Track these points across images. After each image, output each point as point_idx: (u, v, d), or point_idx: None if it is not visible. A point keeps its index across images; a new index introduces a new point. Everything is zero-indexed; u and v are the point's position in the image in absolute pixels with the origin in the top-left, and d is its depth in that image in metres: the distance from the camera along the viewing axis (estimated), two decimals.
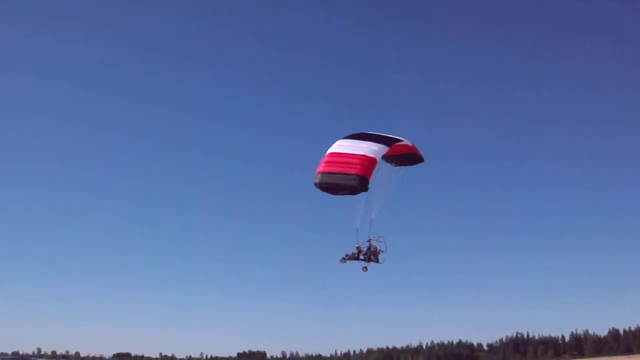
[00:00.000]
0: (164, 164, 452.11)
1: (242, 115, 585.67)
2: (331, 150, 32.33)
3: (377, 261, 34.44)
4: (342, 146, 32.27)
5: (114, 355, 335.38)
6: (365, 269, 34.37)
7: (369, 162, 31.20)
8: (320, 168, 31.93)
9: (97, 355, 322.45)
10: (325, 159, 31.81)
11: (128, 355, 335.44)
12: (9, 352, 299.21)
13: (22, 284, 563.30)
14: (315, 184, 32.01)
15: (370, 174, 31.10)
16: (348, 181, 31.08)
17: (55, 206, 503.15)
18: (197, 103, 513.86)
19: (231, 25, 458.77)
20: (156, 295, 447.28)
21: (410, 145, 33.40)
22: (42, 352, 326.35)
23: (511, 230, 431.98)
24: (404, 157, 33.46)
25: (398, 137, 33.04)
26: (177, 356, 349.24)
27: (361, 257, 34.37)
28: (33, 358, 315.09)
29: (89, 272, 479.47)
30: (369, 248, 34.52)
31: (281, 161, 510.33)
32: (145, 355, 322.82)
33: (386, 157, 33.14)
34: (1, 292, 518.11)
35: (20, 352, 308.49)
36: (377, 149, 31.88)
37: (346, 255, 34.52)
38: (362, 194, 31.99)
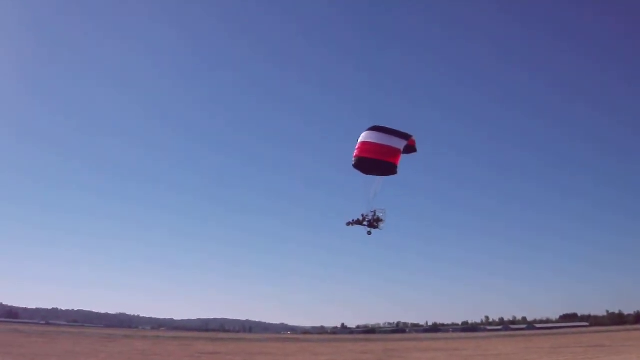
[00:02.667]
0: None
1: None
2: (364, 139, 40.74)
3: (377, 227, 42.48)
4: (373, 137, 40.59)
5: None
6: (369, 233, 42.34)
7: (398, 153, 40.01)
8: (358, 153, 40.43)
9: None
10: (362, 146, 40.45)
11: None
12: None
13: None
14: (354, 166, 40.43)
15: (398, 161, 39.98)
16: (384, 165, 39.81)
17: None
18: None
19: None
20: None
21: (414, 139, 41.30)
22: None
23: None
24: (408, 147, 41.11)
25: (410, 133, 40.96)
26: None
27: (364, 223, 42.49)
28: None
29: None
30: (373, 216, 42.46)
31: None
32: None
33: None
34: None
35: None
36: (401, 141, 40.32)
37: (352, 219, 42.84)
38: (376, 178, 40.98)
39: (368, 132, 41.11)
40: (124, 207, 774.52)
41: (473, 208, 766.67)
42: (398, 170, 40.28)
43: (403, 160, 40.63)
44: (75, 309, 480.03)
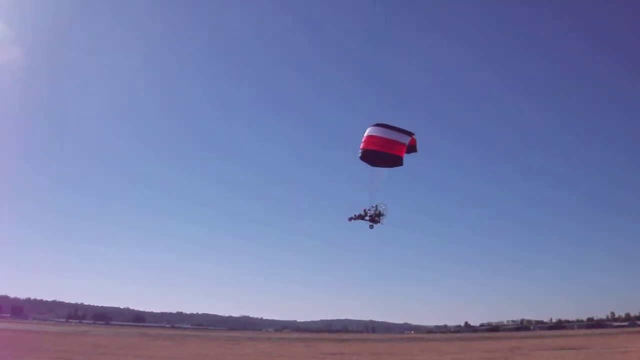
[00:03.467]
0: None
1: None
2: (370, 133, 41.92)
3: (379, 222, 43.56)
4: (378, 132, 41.84)
5: None
6: (371, 226, 43.35)
7: (403, 146, 40.90)
8: (364, 146, 41.60)
9: None
10: (367, 139, 41.67)
11: None
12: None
13: None
14: (361, 157, 41.64)
15: (403, 154, 40.87)
16: (390, 157, 40.90)
17: None
18: None
19: None
20: None
21: (415, 138, 42.26)
22: None
23: None
24: (409, 147, 41.79)
25: (412, 132, 41.82)
26: None
27: (366, 217, 43.47)
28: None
29: None
30: (374, 211, 43.42)
31: None
32: None
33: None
34: None
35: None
36: (405, 136, 41.26)
37: (354, 214, 43.86)
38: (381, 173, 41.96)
39: (373, 127, 42.30)
40: (244, 215, 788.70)
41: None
42: (404, 162, 41.01)
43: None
44: (200, 313, 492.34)
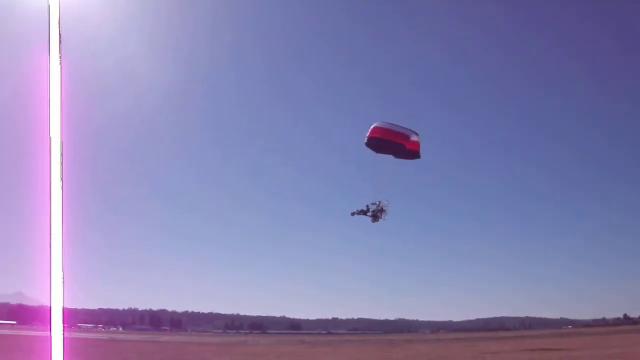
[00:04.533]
0: None
1: None
2: (376, 125, 42.62)
3: (381, 217, 43.67)
4: (384, 124, 42.69)
5: None
6: (373, 221, 43.48)
7: (408, 138, 41.72)
8: (370, 134, 42.02)
9: None
10: (373, 129, 42.30)
11: None
12: None
13: None
14: (367, 144, 42.27)
15: (408, 146, 41.59)
16: (395, 145, 41.71)
17: None
18: None
19: None
20: None
21: (419, 141, 42.75)
22: None
23: None
24: (413, 152, 42.60)
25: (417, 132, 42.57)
26: None
27: (368, 213, 43.53)
28: None
29: None
30: (377, 207, 43.41)
31: None
32: None
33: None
34: None
35: None
36: (410, 132, 42.07)
37: (357, 210, 44.27)
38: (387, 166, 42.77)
39: (379, 122, 43.21)
40: (401, 220, 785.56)
41: None
42: (407, 151, 42.20)
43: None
44: (355, 318, 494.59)
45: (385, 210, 44.05)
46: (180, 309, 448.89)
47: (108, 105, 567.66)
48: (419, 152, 43.58)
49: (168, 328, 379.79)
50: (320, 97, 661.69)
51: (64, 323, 6.82)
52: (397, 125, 43.44)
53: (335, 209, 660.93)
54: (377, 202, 43.84)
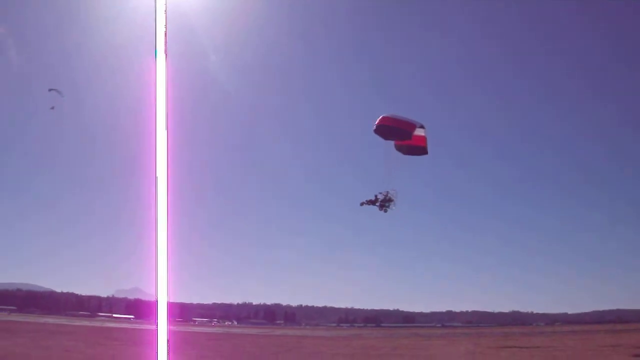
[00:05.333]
0: None
1: None
2: (384, 115, 43.51)
3: (388, 207, 45.16)
4: (391, 114, 43.86)
5: None
6: (385, 211, 44.93)
7: (414, 127, 42.94)
8: (379, 122, 43.05)
9: None
10: (382, 118, 43.08)
11: None
12: None
13: None
14: (375, 131, 43.59)
15: (414, 132, 43.34)
16: (402, 132, 43.33)
17: None
18: None
19: None
20: None
21: (425, 136, 44.52)
22: None
23: None
24: (420, 149, 44.86)
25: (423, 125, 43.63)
26: None
27: (377, 203, 44.91)
28: None
29: None
30: (385, 197, 44.83)
31: None
32: None
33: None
34: None
35: None
36: (417, 122, 43.26)
37: (366, 200, 45.41)
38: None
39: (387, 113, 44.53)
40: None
41: None
42: (414, 146, 44.45)
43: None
44: (470, 310, 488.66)
45: (393, 200, 45.78)
46: (294, 303, 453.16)
47: (213, 105, 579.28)
48: (426, 148, 45.26)
49: (282, 322, 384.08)
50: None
51: (168, 317, 6.83)
52: (404, 117, 44.83)
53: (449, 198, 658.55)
54: (386, 192, 45.45)
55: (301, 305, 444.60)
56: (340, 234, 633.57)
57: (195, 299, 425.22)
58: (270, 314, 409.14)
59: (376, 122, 44.51)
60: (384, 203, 45.79)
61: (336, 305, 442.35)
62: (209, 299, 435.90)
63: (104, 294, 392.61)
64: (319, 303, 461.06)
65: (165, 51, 7.55)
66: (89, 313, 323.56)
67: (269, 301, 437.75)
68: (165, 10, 7.80)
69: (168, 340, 6.79)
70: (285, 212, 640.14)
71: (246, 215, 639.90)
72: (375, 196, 46.05)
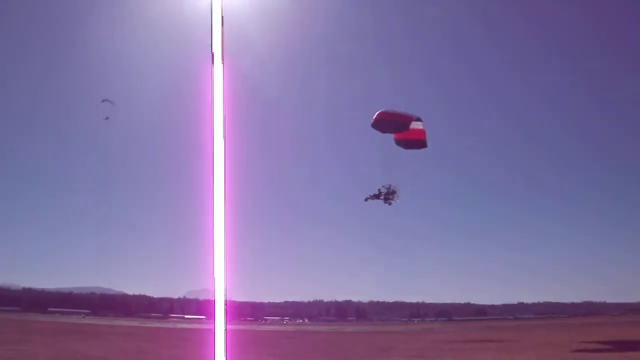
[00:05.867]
0: None
1: None
2: (380, 110, 45.66)
3: (392, 200, 46.97)
4: (388, 110, 46.02)
5: None
6: (389, 204, 46.88)
7: (411, 120, 44.69)
8: (376, 116, 45.10)
9: None
10: (378, 113, 45.21)
11: None
12: None
13: None
14: (372, 125, 45.25)
15: (410, 124, 44.76)
16: (398, 124, 45.02)
17: None
18: None
19: None
20: None
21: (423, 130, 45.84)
22: None
23: None
24: (420, 142, 46.41)
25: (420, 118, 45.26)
26: None
27: (381, 197, 46.59)
28: None
29: None
30: (388, 190, 46.45)
31: None
32: None
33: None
34: None
35: None
36: (413, 115, 45.16)
37: (370, 195, 47.08)
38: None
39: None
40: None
41: None
42: (410, 128, 45.21)
43: None
44: (542, 302, 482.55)
45: (396, 192, 47.51)
46: (365, 299, 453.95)
47: (271, 106, 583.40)
48: (425, 141, 46.52)
49: (354, 318, 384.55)
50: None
51: (227, 317, 6.78)
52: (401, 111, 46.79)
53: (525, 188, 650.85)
54: (388, 186, 47.18)
55: (372, 301, 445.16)
56: (410, 229, 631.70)
57: (266, 298, 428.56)
58: (342, 311, 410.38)
59: (373, 117, 46.20)
60: (388, 196, 47.36)
61: (407, 300, 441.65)
62: (280, 298, 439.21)
63: (175, 295, 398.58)
64: (390, 298, 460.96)
65: (222, 55, 7.48)
66: (161, 315, 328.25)
67: (340, 298, 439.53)
68: (222, 14, 7.74)
69: (226, 340, 6.73)
70: (354, 209, 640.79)
71: (316, 214, 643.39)
72: (379, 190, 47.41)
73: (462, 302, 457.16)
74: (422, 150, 48.16)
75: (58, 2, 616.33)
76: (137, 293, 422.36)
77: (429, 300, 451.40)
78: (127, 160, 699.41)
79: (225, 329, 7.08)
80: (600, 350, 67.30)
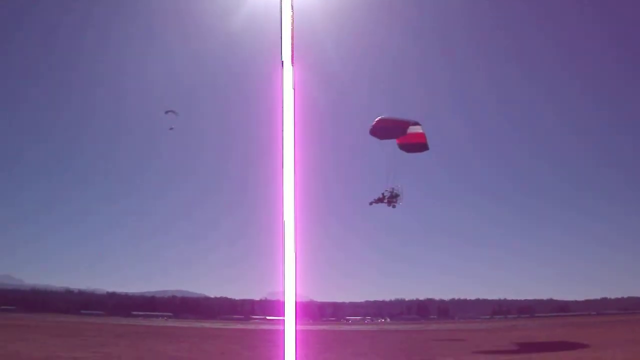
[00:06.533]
0: None
1: None
2: (378, 118, 46.41)
3: (395, 202, 47.88)
4: (385, 116, 46.89)
5: None
6: (393, 207, 47.74)
7: (408, 125, 45.63)
8: (374, 124, 45.98)
9: None
10: (376, 121, 46.12)
11: None
12: None
13: None
14: (371, 132, 46.03)
15: (407, 129, 45.59)
16: (395, 130, 45.82)
17: None
18: None
19: None
20: None
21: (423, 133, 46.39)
22: None
23: None
24: (422, 145, 47.13)
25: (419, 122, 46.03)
26: None
27: (384, 201, 47.22)
28: None
29: None
30: (391, 194, 47.38)
31: None
32: None
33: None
34: None
35: None
36: (411, 120, 46.30)
37: (374, 198, 47.76)
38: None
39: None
40: None
41: None
42: (408, 132, 45.96)
43: None
44: (625, 297, 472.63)
45: (399, 195, 48.42)
46: (446, 297, 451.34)
47: (341, 105, 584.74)
48: (426, 144, 47.15)
49: (435, 317, 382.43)
50: None
51: (296, 317, 7.04)
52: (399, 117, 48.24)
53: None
54: (391, 189, 48.12)
55: (454, 299, 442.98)
56: (492, 225, 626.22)
57: (347, 298, 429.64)
58: (423, 309, 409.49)
59: (371, 124, 47.26)
60: (391, 199, 48.24)
61: (489, 297, 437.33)
62: (361, 298, 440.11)
63: (256, 297, 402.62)
64: (472, 296, 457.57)
65: (292, 58, 7.69)
66: (242, 316, 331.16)
67: (422, 296, 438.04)
68: (292, 17, 7.97)
69: (296, 341, 6.98)
70: (431, 208, 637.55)
71: (395, 213, 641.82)
72: (382, 194, 48.33)
73: (545, 298, 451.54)
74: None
75: (129, 11, 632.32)
76: (218, 296, 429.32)
77: (511, 296, 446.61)
78: (209, 166, 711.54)
79: (295, 330, 7.32)
80: None
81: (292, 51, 7.59)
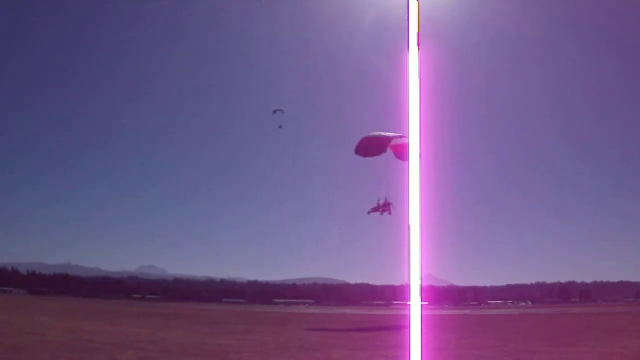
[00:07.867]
0: None
1: None
2: (362, 137, 50.33)
3: (389, 211, 50.96)
4: (368, 136, 50.63)
5: None
6: (389, 213, 50.79)
7: (389, 141, 48.38)
8: (357, 143, 49.91)
9: None
10: (360, 140, 49.98)
11: None
12: None
13: None
14: (355, 152, 49.95)
15: (388, 145, 48.57)
16: (376, 148, 48.84)
17: None
18: None
19: None
20: None
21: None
22: None
23: None
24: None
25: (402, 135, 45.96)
26: None
27: (380, 209, 50.71)
28: None
29: None
30: (385, 203, 50.74)
31: None
32: None
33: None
34: None
35: None
36: (393, 135, 48.36)
37: (372, 208, 51.30)
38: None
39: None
40: None
41: None
42: (388, 149, 48.71)
43: None
44: None
45: (391, 203, 51.43)
46: (588, 279, 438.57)
47: (468, 100, 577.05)
48: (408, 154, 46.38)
49: (577, 300, 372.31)
50: None
51: (421, 301, 7.20)
52: (381, 134, 50.27)
53: None
54: (384, 198, 51.31)
55: (596, 282, 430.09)
56: (634, 207, 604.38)
57: (488, 282, 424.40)
58: (565, 292, 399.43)
59: (356, 144, 50.32)
60: (385, 208, 51.27)
61: (633, 280, 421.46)
62: (502, 281, 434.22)
63: (397, 282, 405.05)
64: (615, 278, 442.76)
65: (418, 44, 7.74)
66: (383, 302, 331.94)
67: (563, 279, 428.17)
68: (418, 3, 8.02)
69: (421, 325, 7.11)
70: (571, 191, 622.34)
71: (535, 196, 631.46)
72: (377, 203, 51.34)
73: None
74: None
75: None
76: (358, 282, 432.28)
77: None
78: (347, 162, 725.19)
79: (421, 314, 7.44)
80: None
81: (418, 37, 7.57)
